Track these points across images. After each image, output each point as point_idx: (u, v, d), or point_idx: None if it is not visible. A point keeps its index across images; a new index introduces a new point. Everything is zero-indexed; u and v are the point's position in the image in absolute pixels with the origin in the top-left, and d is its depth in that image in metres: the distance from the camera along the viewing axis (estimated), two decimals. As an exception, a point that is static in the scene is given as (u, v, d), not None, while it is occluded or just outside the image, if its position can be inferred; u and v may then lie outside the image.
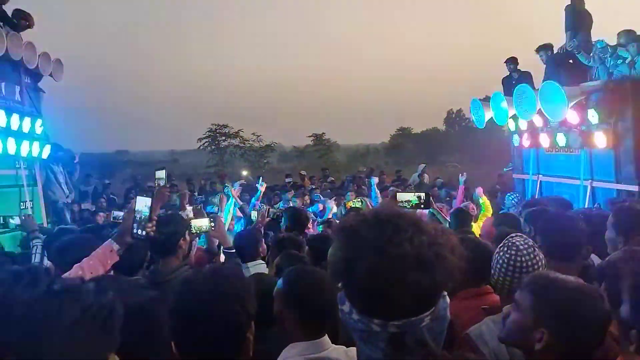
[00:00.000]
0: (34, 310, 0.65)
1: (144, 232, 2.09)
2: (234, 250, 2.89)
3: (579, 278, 1.63)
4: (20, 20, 7.35)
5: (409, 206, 3.01)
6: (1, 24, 6.87)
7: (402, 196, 3.02)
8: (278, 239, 3.40)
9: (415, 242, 0.94)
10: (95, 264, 1.95)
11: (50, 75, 7.69)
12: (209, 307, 1.31)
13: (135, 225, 2.08)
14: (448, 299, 1.01)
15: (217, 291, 1.34)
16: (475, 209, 6.29)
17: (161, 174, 3.06)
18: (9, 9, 7.26)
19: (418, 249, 0.93)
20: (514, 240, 2.22)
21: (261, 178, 8.48)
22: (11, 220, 4.34)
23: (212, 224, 3.38)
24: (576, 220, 2.53)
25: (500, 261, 2.20)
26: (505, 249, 2.21)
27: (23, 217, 4.10)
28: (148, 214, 2.11)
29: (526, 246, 2.18)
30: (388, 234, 0.94)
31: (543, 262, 2.20)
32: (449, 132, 43.56)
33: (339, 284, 1.01)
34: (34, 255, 3.47)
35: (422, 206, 3.07)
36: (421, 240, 0.95)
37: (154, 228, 2.10)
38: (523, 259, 2.14)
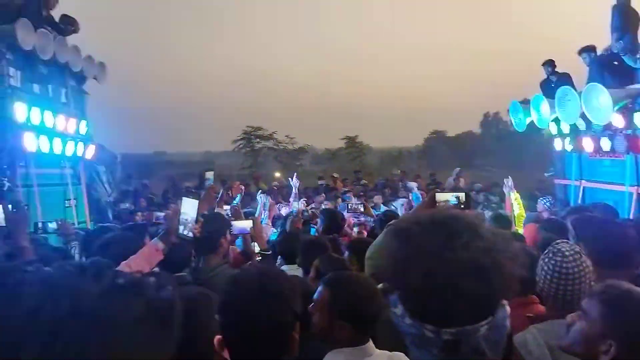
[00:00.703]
0: (101, 305, 0.65)
1: (189, 233, 2.14)
2: (270, 252, 2.91)
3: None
4: (67, 26, 7.66)
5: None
6: (49, 28, 7.17)
7: (440, 196, 2.97)
8: (307, 241, 3.38)
9: (471, 248, 0.91)
10: (142, 262, 2.00)
11: (94, 77, 7.97)
12: (256, 306, 1.32)
13: (181, 226, 2.12)
14: (508, 309, 0.97)
15: (265, 290, 1.36)
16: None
17: (210, 174, 3.14)
18: (56, 14, 7.58)
19: (474, 254, 0.90)
20: (559, 247, 2.15)
21: (295, 174, 8.47)
22: (49, 225, 4.47)
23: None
24: (626, 228, 2.43)
25: (546, 268, 2.14)
26: (551, 255, 2.15)
27: (59, 222, 4.19)
28: (195, 215, 2.16)
29: (572, 252, 2.11)
30: (443, 238, 0.92)
31: (590, 268, 2.13)
32: (485, 135, 42.70)
33: (392, 287, 1.00)
34: (74, 255, 3.57)
35: (462, 207, 3.01)
36: (477, 245, 0.91)
37: (200, 229, 2.15)
38: (569, 265, 2.08)
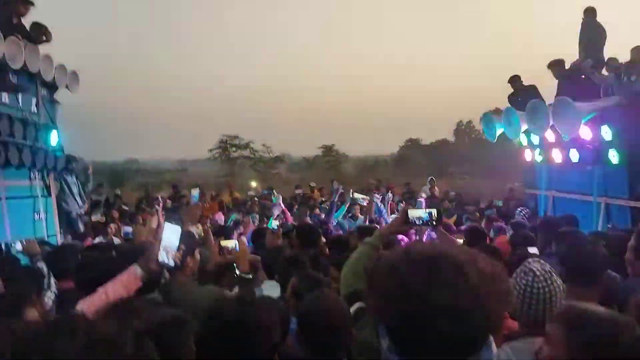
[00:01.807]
0: None
1: (171, 261, 2.10)
2: (250, 276, 2.88)
3: (614, 311, 1.62)
4: (38, 34, 7.48)
5: (420, 223, 3.00)
6: (19, 36, 7.00)
7: (413, 213, 3.01)
8: (285, 258, 3.33)
9: (455, 290, 0.91)
10: (119, 289, 1.97)
11: (67, 87, 7.79)
12: (236, 340, 1.31)
13: (162, 252, 2.08)
14: (494, 348, 0.98)
15: (244, 323, 1.35)
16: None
17: (195, 191, 3.11)
18: (26, 21, 7.40)
19: (456, 298, 0.90)
20: (531, 266, 2.21)
21: (275, 191, 8.47)
22: (12, 245, 4.28)
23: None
24: (597, 246, 2.53)
25: (518, 287, 2.19)
26: (523, 274, 2.20)
27: (25, 243, 4.07)
28: (177, 242, 2.12)
29: (543, 272, 2.17)
30: (427, 278, 0.92)
31: (561, 288, 2.19)
32: (459, 143, 43.36)
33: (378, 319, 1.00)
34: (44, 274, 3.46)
35: (433, 223, 3.06)
36: (462, 288, 0.91)
37: (181, 257, 2.12)
38: (540, 284, 2.14)
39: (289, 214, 7.71)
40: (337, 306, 1.94)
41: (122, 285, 1.98)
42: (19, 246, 4.29)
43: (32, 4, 7.11)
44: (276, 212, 7.25)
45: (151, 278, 2.26)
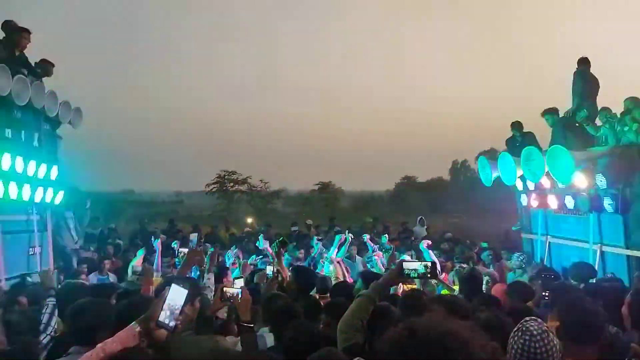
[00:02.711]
0: None
1: (172, 323, 2.08)
2: (252, 325, 2.86)
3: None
4: (46, 70, 7.65)
5: (415, 275, 3.03)
6: (25, 72, 7.16)
7: (408, 265, 3.04)
8: (277, 308, 3.26)
9: None
10: (117, 347, 1.98)
11: (69, 122, 7.90)
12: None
13: (163, 312, 2.07)
14: None
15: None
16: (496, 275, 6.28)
17: (194, 236, 3.12)
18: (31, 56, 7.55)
19: None
20: (528, 325, 2.23)
21: (262, 236, 8.29)
22: (29, 279, 4.30)
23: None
24: (597, 306, 2.55)
25: (515, 346, 2.22)
26: (520, 333, 2.23)
27: (41, 274, 4.08)
28: (181, 305, 2.11)
29: (540, 331, 2.20)
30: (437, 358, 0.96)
31: (558, 347, 2.21)
32: (455, 182, 43.63)
33: None
34: (44, 314, 3.43)
35: (428, 275, 3.08)
36: None
37: (183, 322, 2.09)
38: (537, 344, 2.16)
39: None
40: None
41: (120, 342, 1.99)
42: (35, 278, 4.26)
43: (30, 32, 7.27)
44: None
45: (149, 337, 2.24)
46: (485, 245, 10.23)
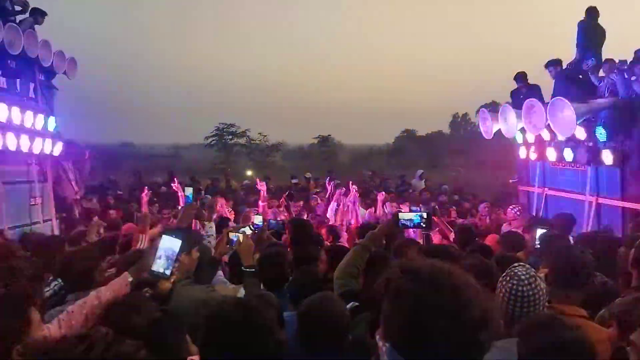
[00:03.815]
0: None
1: (167, 271, 2.12)
2: (254, 270, 2.91)
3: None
4: (37, 16, 7.44)
5: (411, 225, 3.08)
6: (16, 19, 6.99)
7: (404, 215, 3.09)
8: (264, 254, 3.24)
9: (480, 305, 1.03)
10: (111, 296, 2.06)
11: (64, 73, 7.77)
12: (241, 341, 1.38)
13: (158, 261, 2.11)
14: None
15: (248, 325, 1.41)
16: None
17: (189, 191, 3.13)
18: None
19: (482, 311, 1.02)
20: (515, 270, 2.31)
21: (258, 180, 8.45)
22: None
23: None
24: (584, 253, 2.61)
25: (503, 290, 2.30)
26: (508, 278, 2.31)
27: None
28: (176, 253, 2.14)
29: (527, 276, 2.27)
30: (453, 298, 1.01)
31: (544, 291, 2.30)
32: (454, 135, 43.49)
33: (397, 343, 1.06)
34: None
35: (424, 226, 3.14)
36: (480, 303, 1.03)
37: (180, 270, 2.13)
38: (524, 288, 2.25)
39: (267, 204, 7.65)
40: (339, 307, 2.01)
41: (113, 291, 2.07)
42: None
43: None
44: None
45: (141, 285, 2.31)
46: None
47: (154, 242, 2.23)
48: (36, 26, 7.45)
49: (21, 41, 6.46)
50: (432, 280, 1.03)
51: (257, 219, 5.02)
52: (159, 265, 2.12)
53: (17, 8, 7.35)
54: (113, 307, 1.97)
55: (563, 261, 2.58)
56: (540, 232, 4.12)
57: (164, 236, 2.18)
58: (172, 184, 7.03)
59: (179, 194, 6.69)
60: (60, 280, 2.96)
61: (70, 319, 1.97)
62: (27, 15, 7.41)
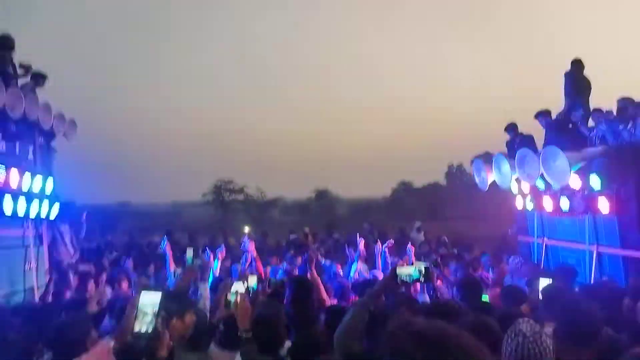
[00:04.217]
0: None
1: (149, 329, 2.05)
2: (250, 335, 2.81)
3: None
4: (39, 79, 7.65)
5: (410, 280, 3.03)
6: (18, 83, 7.18)
7: (402, 270, 3.05)
8: (258, 315, 3.06)
9: None
10: None
11: (64, 135, 7.89)
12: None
13: (139, 322, 2.04)
14: None
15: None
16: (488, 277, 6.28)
17: (190, 252, 3.10)
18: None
19: None
20: (520, 327, 2.25)
21: (248, 236, 8.34)
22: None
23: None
24: (593, 306, 2.55)
25: (509, 348, 2.24)
26: (513, 335, 2.24)
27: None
28: (156, 309, 2.08)
29: (533, 332, 2.21)
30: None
31: (551, 348, 2.23)
32: (451, 186, 43.76)
33: None
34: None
35: (422, 280, 3.09)
36: None
37: (162, 326, 2.07)
38: (530, 346, 2.18)
39: (260, 263, 7.55)
40: None
41: (95, 358, 1.99)
42: None
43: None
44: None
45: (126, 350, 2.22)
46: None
47: (132, 301, 2.16)
48: (37, 89, 7.66)
49: (22, 105, 6.60)
50: (440, 345, 1.02)
51: (252, 280, 4.85)
52: (141, 323, 2.04)
53: (20, 72, 7.57)
54: None
55: (572, 316, 2.52)
56: (543, 283, 4.05)
57: (142, 293, 2.12)
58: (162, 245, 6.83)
59: (168, 254, 6.60)
60: (51, 354, 2.88)
61: None
62: (28, 78, 7.64)
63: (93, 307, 4.15)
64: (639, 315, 2.88)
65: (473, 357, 1.02)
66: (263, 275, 7.21)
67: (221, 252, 6.87)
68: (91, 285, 6.50)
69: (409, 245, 6.49)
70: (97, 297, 4.38)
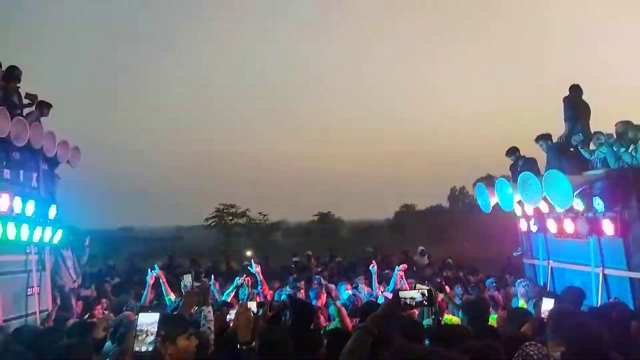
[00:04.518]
0: None
1: (150, 348, 2.07)
2: (253, 345, 2.75)
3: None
4: (44, 109, 7.76)
5: (413, 304, 3.01)
6: (22, 112, 7.28)
7: (405, 294, 3.03)
8: (266, 341, 3.04)
9: None
10: None
11: (68, 162, 7.95)
12: None
13: (139, 342, 2.06)
14: None
15: None
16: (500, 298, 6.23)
17: (188, 278, 3.11)
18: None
19: None
20: (528, 350, 2.24)
21: (253, 260, 8.39)
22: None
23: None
24: (602, 329, 2.53)
25: None
26: (520, 359, 2.23)
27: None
28: (156, 328, 2.10)
29: (540, 356, 2.21)
30: None
31: None
32: (454, 209, 43.66)
33: None
34: None
35: (425, 303, 3.07)
36: None
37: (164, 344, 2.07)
38: None
39: (266, 286, 7.58)
40: None
41: None
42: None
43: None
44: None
45: None
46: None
47: (131, 323, 2.17)
48: (42, 118, 7.76)
49: (27, 134, 6.68)
50: None
51: (251, 305, 4.81)
52: (141, 343, 2.05)
53: (26, 101, 7.70)
54: None
55: (581, 338, 2.49)
56: (547, 304, 3.97)
57: (140, 314, 2.13)
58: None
59: (162, 279, 6.49)
60: None
61: None
62: (33, 107, 7.76)
63: (99, 334, 4.12)
64: None
65: None
66: (270, 297, 7.20)
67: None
68: (98, 310, 6.47)
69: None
70: (103, 322, 4.35)
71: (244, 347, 2.71)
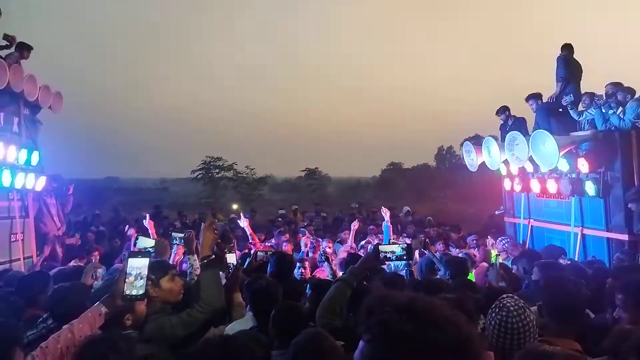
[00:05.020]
0: None
1: (140, 291, 2.09)
2: (213, 256, 2.76)
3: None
4: (23, 51, 7.47)
5: (393, 257, 3.05)
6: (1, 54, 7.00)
7: (385, 248, 3.07)
8: (256, 290, 3.15)
9: (475, 338, 1.03)
10: (85, 328, 2.00)
11: (49, 107, 7.74)
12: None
13: (129, 285, 2.08)
14: None
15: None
16: (476, 255, 6.37)
17: (179, 236, 3.13)
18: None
19: (478, 344, 1.02)
20: (504, 302, 2.30)
21: (242, 214, 8.43)
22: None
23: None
24: (579, 286, 2.58)
25: (493, 322, 2.29)
26: (497, 310, 2.29)
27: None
28: (146, 272, 2.11)
29: (517, 307, 2.26)
30: (456, 335, 0.99)
31: (534, 323, 2.27)
32: (440, 168, 43.94)
33: None
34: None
35: (404, 257, 3.11)
36: (475, 335, 1.03)
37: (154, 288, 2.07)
38: (513, 320, 2.24)
39: (257, 239, 7.60)
40: (332, 345, 1.95)
41: (87, 323, 2.00)
42: None
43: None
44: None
45: (117, 314, 2.23)
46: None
47: (121, 267, 2.19)
48: (22, 60, 7.49)
49: (6, 76, 6.45)
50: (430, 318, 1.01)
51: (231, 258, 4.79)
52: (131, 286, 2.08)
53: (3, 43, 7.40)
54: (88, 345, 1.88)
55: (557, 294, 2.56)
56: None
57: (129, 258, 2.14)
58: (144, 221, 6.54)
59: (151, 231, 6.23)
60: (48, 323, 2.88)
61: (45, 355, 1.89)
62: (12, 49, 7.46)
63: (88, 281, 4.14)
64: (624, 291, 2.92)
65: (465, 328, 1.01)
66: (260, 249, 7.24)
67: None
68: (95, 257, 6.45)
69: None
70: (91, 270, 4.36)
71: (204, 261, 2.73)
